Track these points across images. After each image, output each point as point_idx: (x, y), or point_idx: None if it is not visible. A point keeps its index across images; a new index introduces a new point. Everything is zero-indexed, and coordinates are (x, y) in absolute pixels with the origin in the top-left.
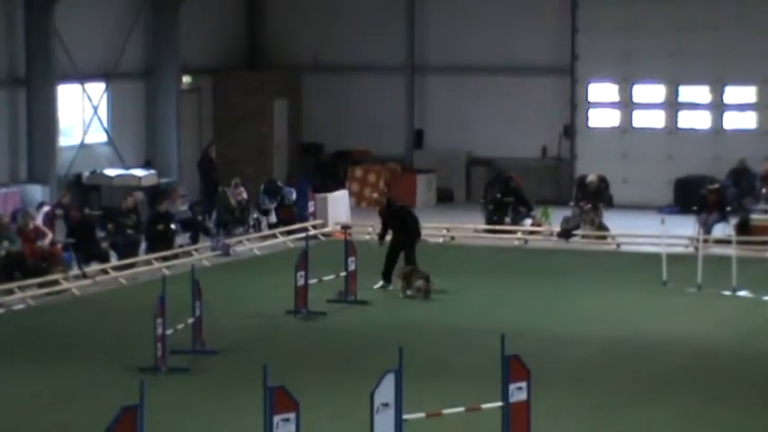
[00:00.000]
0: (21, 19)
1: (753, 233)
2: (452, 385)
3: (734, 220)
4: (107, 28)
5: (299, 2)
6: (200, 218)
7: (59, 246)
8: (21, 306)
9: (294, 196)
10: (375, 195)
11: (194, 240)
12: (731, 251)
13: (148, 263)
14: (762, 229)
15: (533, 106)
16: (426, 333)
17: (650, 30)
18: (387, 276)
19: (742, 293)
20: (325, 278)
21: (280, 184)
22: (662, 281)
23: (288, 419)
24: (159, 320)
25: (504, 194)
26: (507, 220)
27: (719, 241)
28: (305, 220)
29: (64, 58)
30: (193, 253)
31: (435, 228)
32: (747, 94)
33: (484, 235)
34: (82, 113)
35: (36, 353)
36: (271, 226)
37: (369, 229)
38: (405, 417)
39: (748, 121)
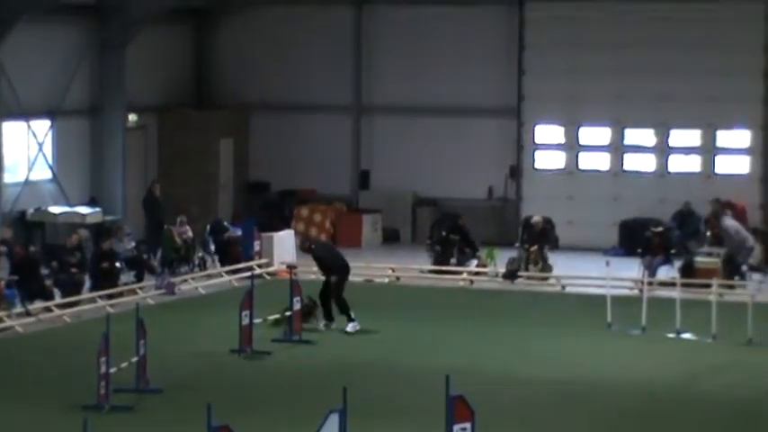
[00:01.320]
0: None
1: (697, 276)
2: (398, 425)
3: (678, 263)
4: (53, 65)
5: (247, 42)
6: (145, 256)
7: (2, 283)
8: None
9: (239, 233)
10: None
11: (139, 279)
12: (675, 294)
13: (93, 301)
14: (706, 272)
15: (480, 147)
16: (372, 372)
17: (595, 73)
18: (329, 315)
19: (686, 336)
20: (270, 317)
21: (225, 224)
22: (606, 323)
23: None
24: (103, 359)
25: (449, 233)
26: (453, 261)
27: (664, 284)
28: (250, 259)
29: (9, 95)
30: (138, 291)
31: (381, 268)
32: (692, 137)
33: (429, 275)
34: (27, 150)
35: None
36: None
37: (314, 268)
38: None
39: (693, 164)
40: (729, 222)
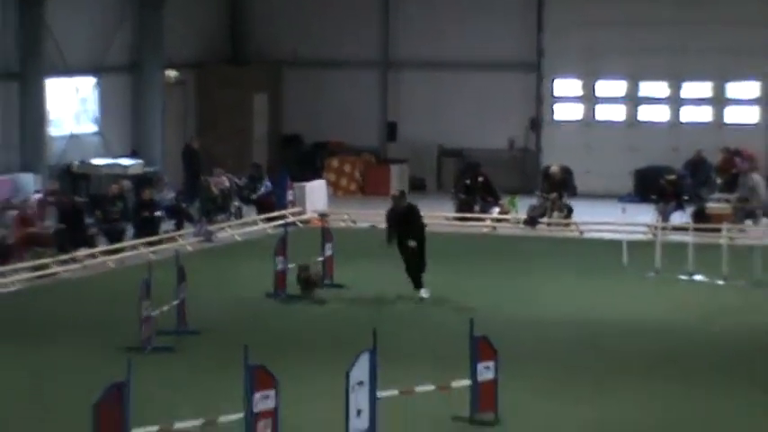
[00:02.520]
0: (13, 15)
1: (708, 221)
2: (425, 364)
3: (690, 209)
4: (95, 24)
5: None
6: (183, 205)
7: (51, 230)
8: (11, 289)
9: (270, 187)
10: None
11: (178, 227)
12: (688, 238)
13: (134, 248)
14: (717, 217)
15: (501, 101)
16: (400, 315)
17: (612, 28)
18: (418, 283)
19: (698, 278)
20: (300, 263)
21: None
22: (622, 266)
23: (267, 396)
24: (145, 303)
25: (473, 182)
26: (476, 208)
27: (677, 228)
28: (284, 207)
29: (55, 53)
30: (177, 239)
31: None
32: (704, 89)
33: (454, 222)
34: (72, 106)
35: (26, 334)
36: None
37: (344, 216)
38: (379, 394)
39: (704, 114)
40: (757, 178)
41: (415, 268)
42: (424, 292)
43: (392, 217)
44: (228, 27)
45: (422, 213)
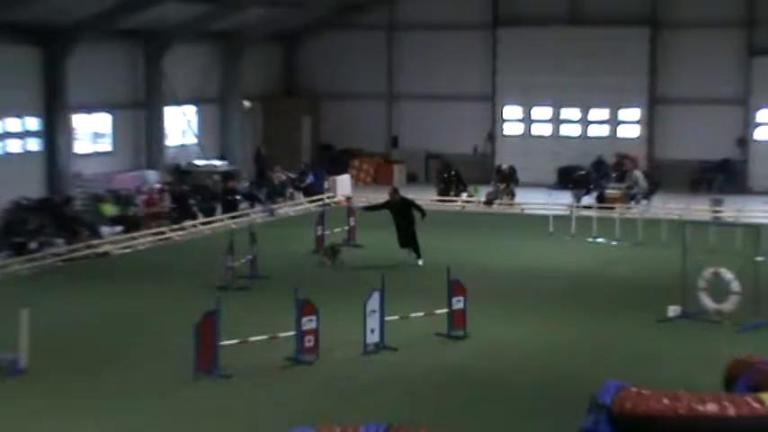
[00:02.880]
0: (142, 64)
1: (606, 202)
2: (417, 298)
3: (594, 194)
4: (196, 69)
5: (317, 54)
6: (254, 192)
7: (167, 209)
8: (141, 248)
9: (312, 179)
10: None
11: (251, 206)
12: (593, 213)
13: (222, 221)
14: (611, 200)
15: (468, 121)
16: (400, 265)
17: (541, 73)
18: (418, 252)
19: (599, 240)
20: (336, 230)
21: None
22: (549, 232)
23: (311, 320)
24: (228, 257)
25: (449, 175)
26: (452, 193)
27: (585, 207)
28: (322, 192)
29: (169, 90)
30: (251, 214)
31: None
32: (603, 114)
33: (437, 203)
34: (180, 125)
35: (150, 277)
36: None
37: (363, 199)
38: (386, 318)
39: (603, 131)
40: (638, 173)
41: (414, 243)
42: (420, 262)
43: (389, 206)
44: (284, 72)
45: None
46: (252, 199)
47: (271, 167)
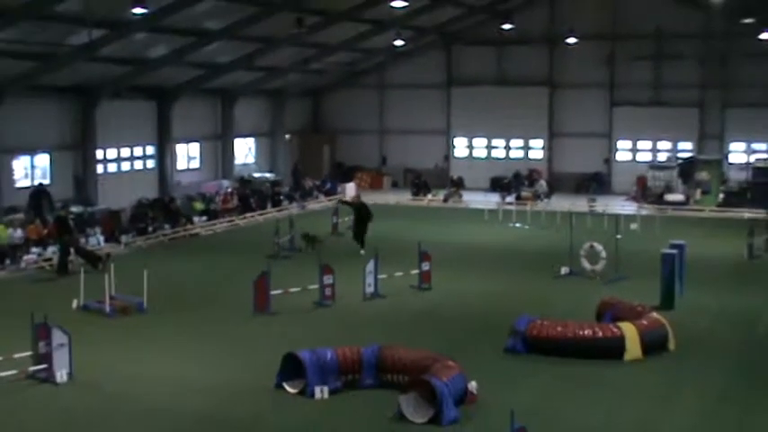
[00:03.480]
0: (219, 110)
1: (521, 200)
2: (398, 264)
3: (515, 194)
4: (256, 114)
5: (335, 102)
6: (292, 194)
7: (236, 205)
8: (218, 231)
9: (330, 185)
10: (351, 198)
11: (290, 203)
12: (513, 207)
13: (270, 213)
14: (525, 199)
15: (432, 147)
16: (388, 242)
17: (479, 112)
18: (362, 244)
19: (518, 225)
20: (346, 218)
21: (328, 180)
22: (485, 220)
23: (329, 278)
24: (276, 236)
25: (419, 182)
26: (421, 195)
27: (509, 203)
28: (335, 194)
29: (236, 127)
30: (290, 208)
31: (392, 199)
32: (519, 142)
33: (411, 202)
34: (244, 150)
35: (223, 249)
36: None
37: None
38: (378, 276)
39: (520, 154)
40: (543, 182)
41: (361, 237)
42: (362, 251)
43: (353, 205)
44: (312, 115)
45: (370, 207)
46: (290, 199)
47: (303, 178)
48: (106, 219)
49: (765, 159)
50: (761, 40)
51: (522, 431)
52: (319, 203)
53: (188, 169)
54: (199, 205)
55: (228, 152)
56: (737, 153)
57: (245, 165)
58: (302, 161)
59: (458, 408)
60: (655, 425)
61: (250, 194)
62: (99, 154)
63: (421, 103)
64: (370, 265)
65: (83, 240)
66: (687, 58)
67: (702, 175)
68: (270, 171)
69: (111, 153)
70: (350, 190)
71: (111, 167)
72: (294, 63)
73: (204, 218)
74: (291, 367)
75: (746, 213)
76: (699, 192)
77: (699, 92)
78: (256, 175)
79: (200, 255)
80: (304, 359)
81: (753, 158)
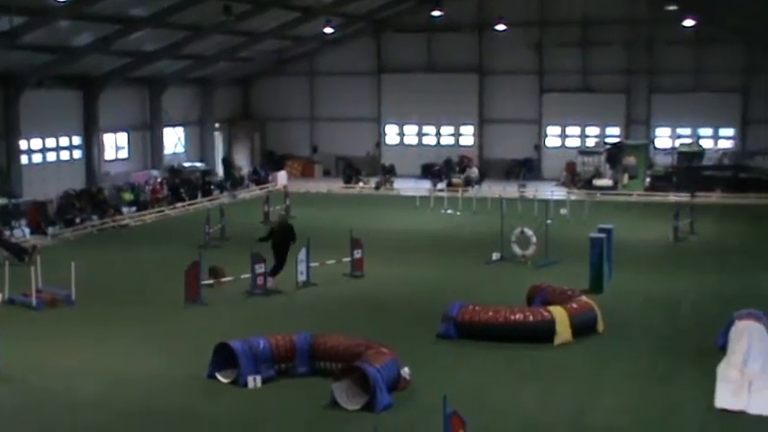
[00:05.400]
0: (147, 99)
1: (452, 186)
2: (330, 251)
3: (446, 181)
4: (185, 102)
5: (264, 90)
6: (223, 183)
7: (165, 195)
8: (148, 221)
9: (261, 174)
10: (280, 213)
11: (221, 193)
12: (445, 194)
13: (201, 202)
14: (457, 185)
15: (364, 134)
16: (320, 230)
17: (409, 102)
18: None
19: (449, 211)
20: (278, 207)
21: (258, 168)
22: (416, 206)
23: (261, 267)
24: (206, 226)
25: (350, 169)
26: (352, 182)
27: (440, 190)
28: (267, 182)
29: (165, 116)
30: (221, 197)
31: (323, 187)
32: (449, 129)
33: (343, 189)
34: (173, 140)
35: (153, 240)
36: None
37: (292, 187)
38: (310, 264)
39: (450, 140)
40: (474, 168)
41: (278, 264)
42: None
43: (274, 230)
44: (242, 103)
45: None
46: (221, 188)
47: (233, 167)
48: (32, 210)
49: (690, 144)
50: (685, 26)
51: (455, 415)
52: (250, 192)
53: (116, 159)
54: (128, 195)
55: (157, 142)
56: (663, 138)
57: (174, 154)
58: (232, 150)
59: (391, 394)
60: (586, 405)
61: (180, 184)
62: (23, 144)
63: (352, 90)
64: (302, 254)
65: (7, 233)
66: (614, 45)
67: (630, 160)
68: (200, 160)
69: (36, 143)
70: (281, 178)
71: (37, 158)
72: (223, 51)
73: (133, 208)
74: (224, 357)
75: (672, 197)
76: (626, 176)
77: (625, 78)
78: (186, 164)
79: (130, 246)
80: (236, 349)
81: (678, 143)
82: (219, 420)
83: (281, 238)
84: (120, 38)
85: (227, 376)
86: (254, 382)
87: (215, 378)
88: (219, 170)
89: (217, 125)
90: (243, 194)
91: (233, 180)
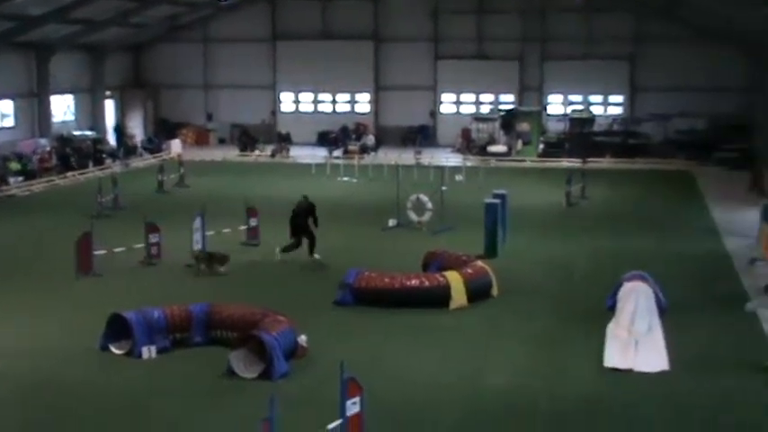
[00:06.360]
0: (35, 65)
1: (348, 154)
2: (226, 220)
3: (342, 149)
4: (75, 69)
5: (158, 57)
6: (115, 152)
7: (54, 164)
8: (36, 191)
9: (154, 142)
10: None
11: (113, 161)
12: (341, 161)
13: (92, 171)
14: (353, 152)
15: (259, 102)
16: (216, 198)
17: (305, 72)
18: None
19: (345, 179)
20: (172, 176)
21: (152, 137)
22: (312, 174)
23: (156, 236)
24: (99, 195)
25: (245, 137)
26: (248, 150)
27: (336, 157)
28: (161, 151)
29: (54, 83)
30: (112, 166)
31: (218, 155)
32: (345, 96)
33: (238, 157)
34: (63, 107)
35: (40, 209)
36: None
37: (187, 155)
38: (206, 233)
39: (347, 108)
40: (370, 136)
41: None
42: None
43: (295, 212)
44: (134, 70)
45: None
46: (113, 156)
47: (126, 135)
48: None
49: (581, 111)
50: None
51: (352, 381)
52: (144, 161)
53: (2, 128)
54: (15, 165)
55: (45, 109)
56: (555, 105)
57: (64, 123)
58: (125, 118)
59: (288, 361)
60: (482, 368)
61: (70, 153)
62: None
63: (247, 57)
64: (197, 222)
65: None
66: (508, 13)
67: (523, 127)
68: (91, 129)
69: None
70: (175, 147)
71: None
72: (114, 16)
73: (21, 178)
74: (117, 328)
75: (564, 162)
76: (520, 143)
77: (519, 45)
78: (76, 133)
79: (18, 217)
80: (130, 319)
81: (569, 110)
82: (115, 392)
83: (303, 219)
84: (4, 1)
85: (122, 347)
86: (148, 352)
87: (108, 350)
88: (111, 139)
89: (108, 92)
90: (136, 163)
91: (126, 149)
